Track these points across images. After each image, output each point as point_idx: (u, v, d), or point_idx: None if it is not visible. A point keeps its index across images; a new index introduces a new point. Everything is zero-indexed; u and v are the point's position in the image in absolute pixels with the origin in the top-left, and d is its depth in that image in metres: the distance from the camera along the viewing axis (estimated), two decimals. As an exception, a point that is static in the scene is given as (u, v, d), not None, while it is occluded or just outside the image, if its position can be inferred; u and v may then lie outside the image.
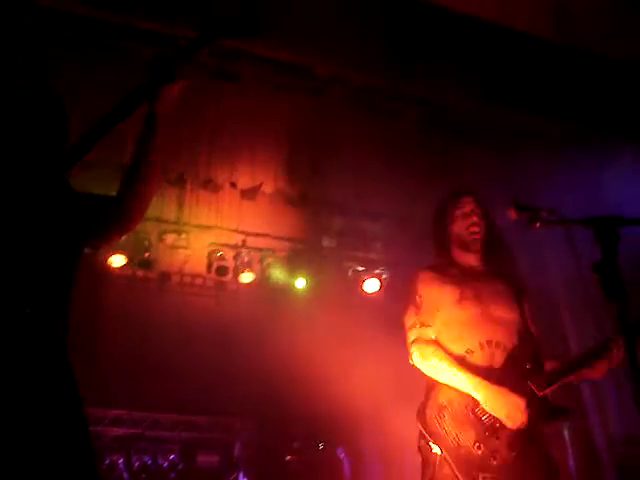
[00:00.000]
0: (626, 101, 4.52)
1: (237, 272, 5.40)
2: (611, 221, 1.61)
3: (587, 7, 4.17)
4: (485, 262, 2.62)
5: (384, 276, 5.83)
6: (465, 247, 2.60)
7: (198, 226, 5.22)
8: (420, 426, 2.34)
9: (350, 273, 6.04)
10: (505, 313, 2.47)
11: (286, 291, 5.66)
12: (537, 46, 4.33)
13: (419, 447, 2.38)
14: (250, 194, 5.17)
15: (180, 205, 5.07)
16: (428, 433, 2.29)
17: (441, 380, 2.35)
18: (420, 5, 4.11)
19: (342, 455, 5.69)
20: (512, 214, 1.94)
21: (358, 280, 5.96)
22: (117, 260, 5.07)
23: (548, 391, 2.32)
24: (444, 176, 4.62)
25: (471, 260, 2.60)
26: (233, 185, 5.06)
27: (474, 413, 2.29)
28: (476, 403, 2.29)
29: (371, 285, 5.91)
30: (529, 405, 2.25)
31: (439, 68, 4.16)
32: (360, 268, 5.96)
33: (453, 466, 2.20)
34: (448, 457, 2.22)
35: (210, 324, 5.41)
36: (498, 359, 2.36)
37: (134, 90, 1.76)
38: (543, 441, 2.36)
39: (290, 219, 5.50)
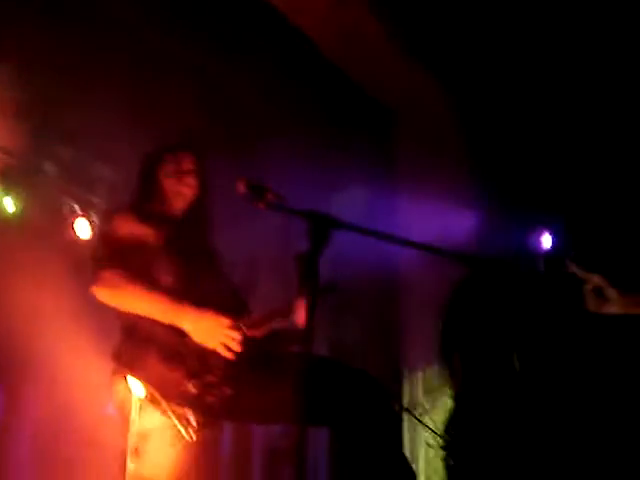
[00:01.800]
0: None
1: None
2: (325, 221, 1.77)
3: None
4: (184, 219, 2.55)
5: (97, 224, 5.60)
6: (169, 202, 2.51)
7: None
8: (120, 368, 2.17)
9: (66, 210, 5.74)
10: (204, 266, 2.45)
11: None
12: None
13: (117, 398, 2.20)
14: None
15: None
16: (129, 369, 2.12)
17: (136, 310, 2.18)
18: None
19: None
20: (241, 188, 2.01)
21: (71, 219, 5.69)
22: None
23: (258, 333, 2.29)
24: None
25: (174, 212, 2.52)
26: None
27: (183, 345, 2.16)
28: (182, 333, 2.16)
29: (82, 229, 5.65)
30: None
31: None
32: (76, 207, 5.69)
33: (164, 402, 2.07)
34: (156, 394, 2.07)
35: None
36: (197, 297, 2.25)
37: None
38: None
39: (15, 130, 5.05)
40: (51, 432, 4.80)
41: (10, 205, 5.23)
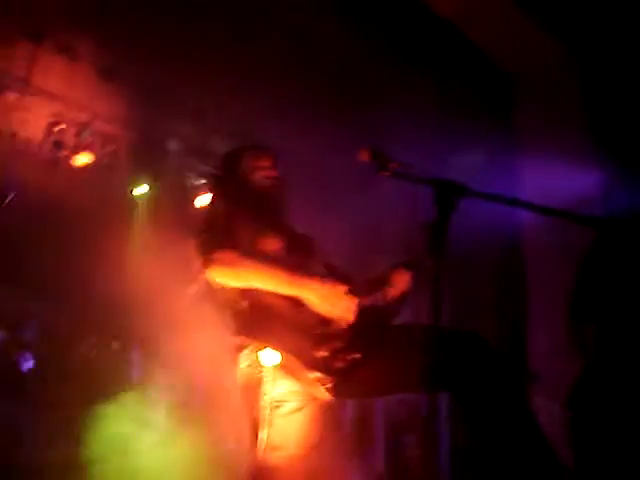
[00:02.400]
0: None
1: (75, 152, 5.16)
2: (453, 188, 1.72)
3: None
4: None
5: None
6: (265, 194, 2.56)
7: (45, 92, 4.87)
8: (249, 341, 2.18)
9: (188, 184, 5.99)
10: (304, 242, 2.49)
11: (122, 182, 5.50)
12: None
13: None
14: (108, 75, 4.91)
15: (31, 63, 4.68)
16: (262, 340, 2.14)
17: (258, 285, 2.16)
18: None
19: (135, 357, 5.70)
20: (364, 156, 1.99)
21: (195, 194, 5.93)
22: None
23: (365, 301, 2.30)
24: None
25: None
26: (93, 60, 4.78)
27: (306, 315, 2.15)
28: (300, 305, 2.16)
29: (203, 201, 5.88)
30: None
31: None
32: (201, 181, 5.92)
33: (300, 369, 2.08)
34: (293, 360, 2.09)
35: (37, 198, 5.09)
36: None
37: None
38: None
39: (143, 112, 5.31)
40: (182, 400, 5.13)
41: (142, 190, 5.55)
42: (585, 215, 1.85)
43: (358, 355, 2.11)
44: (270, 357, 2.12)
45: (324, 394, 2.12)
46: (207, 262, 2.19)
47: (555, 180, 4.61)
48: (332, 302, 2.14)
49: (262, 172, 2.56)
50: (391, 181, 2.02)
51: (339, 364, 2.08)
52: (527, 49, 4.97)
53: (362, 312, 2.22)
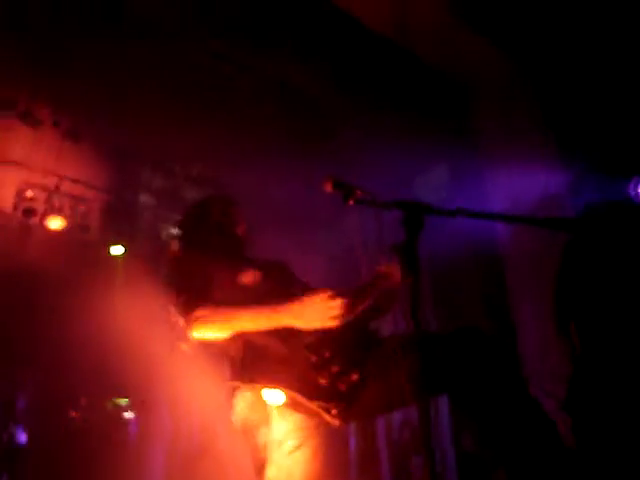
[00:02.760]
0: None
1: (46, 216, 5.16)
2: (419, 208, 1.77)
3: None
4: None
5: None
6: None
7: (10, 160, 4.88)
8: (246, 384, 2.18)
9: (164, 235, 6.02)
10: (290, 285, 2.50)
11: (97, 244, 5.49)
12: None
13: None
14: (72, 137, 4.95)
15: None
16: (261, 381, 2.13)
17: (241, 329, 2.20)
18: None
19: (130, 416, 5.64)
20: (328, 187, 2.07)
21: (170, 243, 5.96)
22: None
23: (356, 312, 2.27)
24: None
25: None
26: (56, 124, 4.81)
27: (297, 348, 2.16)
28: (286, 337, 2.17)
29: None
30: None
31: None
32: (175, 231, 5.95)
33: (305, 402, 2.06)
34: (297, 396, 2.08)
35: (12, 268, 5.06)
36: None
37: None
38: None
39: (110, 171, 5.35)
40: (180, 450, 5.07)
41: (117, 250, 5.56)
42: (552, 218, 1.89)
43: (356, 375, 2.14)
44: (274, 396, 2.13)
45: (333, 421, 2.12)
46: (189, 323, 2.25)
47: (522, 185, 4.70)
48: (315, 314, 2.15)
49: (232, 216, 2.72)
50: (358, 209, 2.07)
51: (341, 388, 2.10)
52: (475, 58, 5.09)
53: (352, 321, 2.22)
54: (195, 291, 2.31)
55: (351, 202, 2.05)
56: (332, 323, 2.16)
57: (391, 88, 5.08)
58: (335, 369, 2.13)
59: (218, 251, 2.55)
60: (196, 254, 2.52)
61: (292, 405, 2.13)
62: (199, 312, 2.22)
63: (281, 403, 2.13)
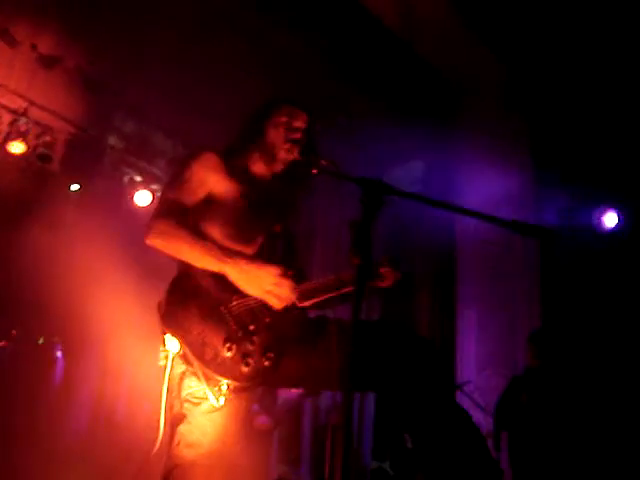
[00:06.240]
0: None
1: (8, 139, 5.00)
2: (379, 187, 1.72)
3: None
4: (271, 182, 2.41)
5: (158, 194, 5.74)
6: (269, 159, 2.37)
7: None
8: (159, 318, 2.07)
9: (126, 180, 5.91)
10: (274, 224, 2.36)
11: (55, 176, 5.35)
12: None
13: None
14: (49, 63, 4.79)
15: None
16: (166, 325, 2.03)
17: (185, 257, 2.12)
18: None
19: (59, 353, 5.55)
20: (296, 154, 2.09)
21: (132, 190, 5.85)
22: None
23: (308, 304, 2.19)
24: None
25: (264, 170, 2.39)
26: (34, 47, 4.64)
27: (227, 307, 2.08)
28: (229, 297, 2.09)
29: (143, 198, 5.82)
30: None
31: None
32: (138, 178, 5.85)
33: (197, 364, 1.98)
34: (190, 354, 1.99)
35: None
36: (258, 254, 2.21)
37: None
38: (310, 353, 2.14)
39: (83, 104, 5.19)
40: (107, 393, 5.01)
41: (75, 187, 5.43)
42: (514, 221, 1.86)
43: (267, 362, 2.04)
44: (172, 343, 2.05)
45: (214, 397, 2.05)
46: (148, 227, 2.16)
47: (491, 187, 4.74)
48: (257, 282, 2.08)
49: (285, 131, 2.36)
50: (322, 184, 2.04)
51: (243, 369, 2.01)
52: (471, 61, 5.09)
53: (299, 312, 2.17)
54: (174, 200, 2.21)
55: (315, 171, 2.04)
56: (272, 302, 2.10)
57: (384, 78, 5.05)
58: (248, 348, 2.04)
59: (237, 175, 2.31)
60: (215, 165, 2.29)
61: (184, 360, 2.05)
62: (160, 224, 2.15)
63: (175, 353, 2.04)
